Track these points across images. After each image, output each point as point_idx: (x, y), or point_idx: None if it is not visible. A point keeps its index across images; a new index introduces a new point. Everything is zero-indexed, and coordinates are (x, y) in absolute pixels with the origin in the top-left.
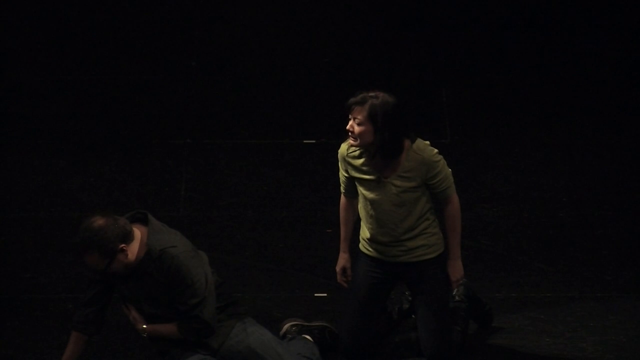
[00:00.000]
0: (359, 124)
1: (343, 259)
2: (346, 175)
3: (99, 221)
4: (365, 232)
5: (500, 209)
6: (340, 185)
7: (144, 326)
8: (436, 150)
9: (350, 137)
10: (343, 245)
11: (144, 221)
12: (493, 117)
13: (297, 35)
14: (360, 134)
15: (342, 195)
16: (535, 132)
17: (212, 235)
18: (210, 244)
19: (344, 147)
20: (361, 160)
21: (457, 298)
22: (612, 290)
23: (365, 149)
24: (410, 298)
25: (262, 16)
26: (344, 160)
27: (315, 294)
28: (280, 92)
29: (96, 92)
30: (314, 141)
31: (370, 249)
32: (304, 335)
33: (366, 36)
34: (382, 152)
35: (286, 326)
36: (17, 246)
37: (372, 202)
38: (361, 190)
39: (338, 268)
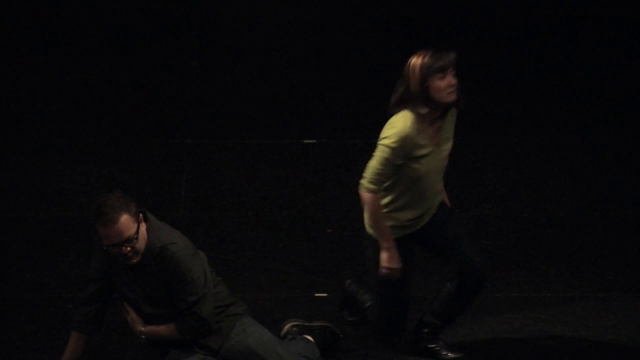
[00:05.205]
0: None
1: (398, 255)
2: (400, 162)
3: (113, 192)
4: (402, 215)
5: (500, 209)
6: (375, 181)
7: (142, 328)
8: None
9: (452, 92)
10: (393, 241)
11: (143, 219)
12: (493, 117)
13: (298, 36)
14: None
15: (371, 196)
16: (535, 132)
17: (212, 235)
18: (210, 244)
19: (409, 129)
20: (419, 136)
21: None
22: (613, 290)
23: (440, 110)
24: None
25: (262, 16)
26: (410, 141)
27: (316, 294)
28: (280, 92)
29: (96, 92)
30: (314, 141)
31: (400, 231)
32: (304, 336)
33: (367, 37)
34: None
35: (287, 326)
36: (17, 246)
37: (422, 177)
38: (413, 170)
39: (398, 265)
